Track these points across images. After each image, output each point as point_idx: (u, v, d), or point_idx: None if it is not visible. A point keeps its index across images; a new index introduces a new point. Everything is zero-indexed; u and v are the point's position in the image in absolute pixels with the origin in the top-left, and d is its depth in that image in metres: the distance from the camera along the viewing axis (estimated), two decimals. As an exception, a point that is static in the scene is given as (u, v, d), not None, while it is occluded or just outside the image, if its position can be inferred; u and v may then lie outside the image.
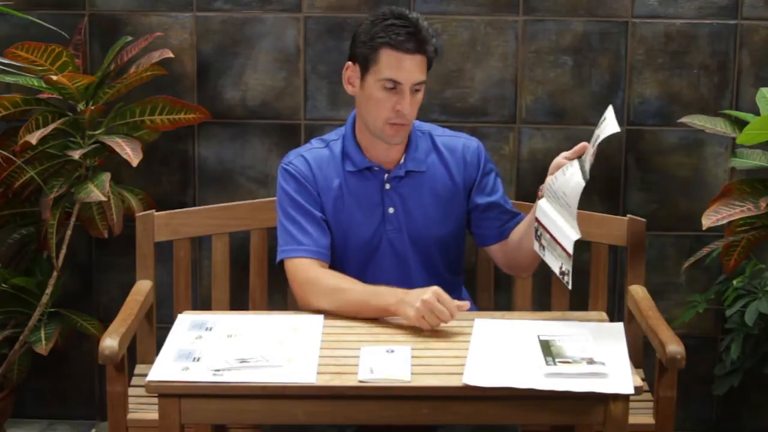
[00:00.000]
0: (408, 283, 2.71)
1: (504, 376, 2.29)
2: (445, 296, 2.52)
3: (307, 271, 2.72)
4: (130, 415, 2.80)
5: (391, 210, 2.82)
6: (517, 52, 3.48)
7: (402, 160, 2.82)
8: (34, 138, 3.10)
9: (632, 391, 2.25)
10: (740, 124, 3.11)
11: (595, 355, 2.35)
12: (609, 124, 2.44)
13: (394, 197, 2.82)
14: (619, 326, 2.52)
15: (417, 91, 2.72)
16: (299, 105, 3.53)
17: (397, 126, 2.73)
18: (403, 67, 2.68)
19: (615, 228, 3.12)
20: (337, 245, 2.82)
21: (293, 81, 3.52)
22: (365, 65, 2.71)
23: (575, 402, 2.29)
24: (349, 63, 2.76)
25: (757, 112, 3.13)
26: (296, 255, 2.75)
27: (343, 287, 2.66)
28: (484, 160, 2.89)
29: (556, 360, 2.33)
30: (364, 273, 2.80)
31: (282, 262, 2.79)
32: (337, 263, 2.83)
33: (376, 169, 2.81)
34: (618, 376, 2.29)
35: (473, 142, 2.91)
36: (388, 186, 2.82)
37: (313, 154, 2.84)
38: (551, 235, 2.55)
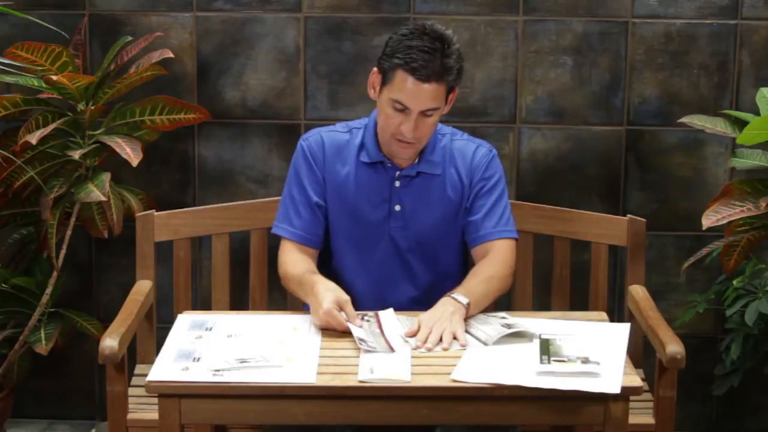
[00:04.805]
0: (410, 276, 2.82)
1: (493, 373, 2.29)
2: (346, 306, 2.56)
3: (289, 253, 2.82)
4: (130, 415, 2.80)
5: (397, 207, 2.82)
6: (517, 52, 3.48)
7: (416, 161, 2.81)
8: (34, 138, 3.10)
9: (617, 391, 2.24)
10: (740, 124, 3.11)
11: (591, 355, 2.34)
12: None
13: (403, 195, 2.82)
14: (626, 327, 2.52)
15: (428, 115, 2.67)
16: (299, 105, 3.53)
17: (403, 144, 2.71)
18: (414, 94, 2.63)
19: (615, 228, 3.12)
20: (337, 233, 2.83)
21: (293, 81, 3.52)
22: (383, 78, 2.69)
23: (575, 402, 2.29)
24: (375, 69, 2.73)
25: (757, 112, 3.12)
26: (285, 236, 2.84)
27: (297, 280, 2.74)
28: (486, 165, 2.83)
29: (552, 359, 2.33)
30: (366, 264, 2.83)
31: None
32: (337, 252, 2.86)
33: (389, 164, 2.81)
34: (608, 375, 2.28)
35: (485, 148, 2.87)
36: (398, 183, 2.82)
37: (332, 137, 2.85)
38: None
